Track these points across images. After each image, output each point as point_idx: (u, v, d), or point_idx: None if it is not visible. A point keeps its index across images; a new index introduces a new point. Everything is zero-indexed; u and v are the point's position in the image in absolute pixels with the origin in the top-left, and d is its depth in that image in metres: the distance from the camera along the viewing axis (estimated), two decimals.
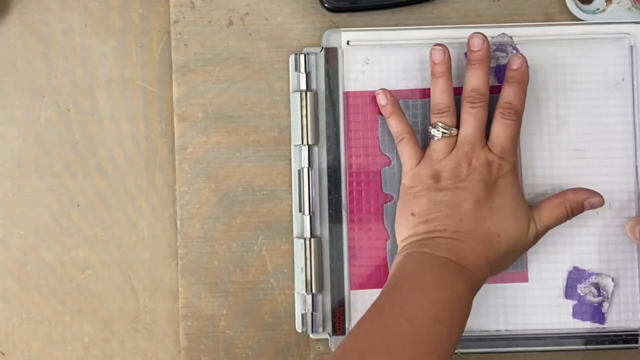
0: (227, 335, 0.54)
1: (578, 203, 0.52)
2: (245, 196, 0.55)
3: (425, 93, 0.55)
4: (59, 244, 0.54)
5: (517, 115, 0.51)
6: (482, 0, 0.57)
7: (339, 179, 0.55)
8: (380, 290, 0.53)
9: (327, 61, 0.56)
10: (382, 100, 0.54)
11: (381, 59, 0.56)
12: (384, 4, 0.56)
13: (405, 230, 0.51)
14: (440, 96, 0.52)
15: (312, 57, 0.55)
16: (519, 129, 0.52)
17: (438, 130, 0.51)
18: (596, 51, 0.56)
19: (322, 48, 0.55)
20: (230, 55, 0.56)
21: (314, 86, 0.55)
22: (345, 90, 0.56)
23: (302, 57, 0.55)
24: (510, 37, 0.55)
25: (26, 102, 0.54)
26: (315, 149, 0.55)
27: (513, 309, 0.55)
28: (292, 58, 0.55)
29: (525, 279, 0.55)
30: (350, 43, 0.56)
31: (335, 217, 0.55)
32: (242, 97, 0.55)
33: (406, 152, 0.53)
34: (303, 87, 0.55)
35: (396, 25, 0.56)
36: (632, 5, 0.56)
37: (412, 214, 0.51)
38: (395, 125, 0.53)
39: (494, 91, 0.53)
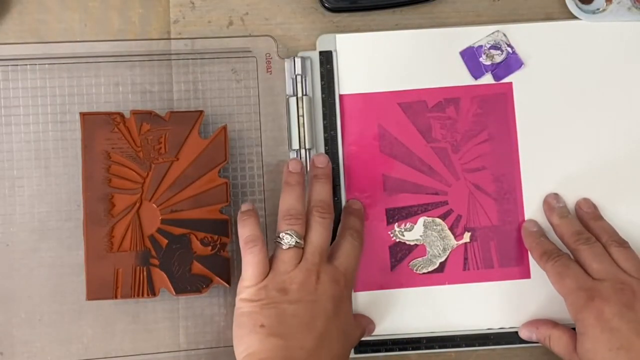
0: (227, 335, 0.54)
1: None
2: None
3: (421, 94, 0.55)
4: (59, 244, 0.54)
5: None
6: (482, 0, 0.57)
7: (338, 182, 0.55)
8: (382, 291, 0.53)
9: (322, 65, 0.56)
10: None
11: (376, 62, 0.56)
12: (384, 4, 0.56)
13: (252, 342, 0.47)
14: (295, 202, 0.50)
15: (307, 62, 0.55)
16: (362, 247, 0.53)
17: (291, 238, 0.49)
18: (595, 50, 0.56)
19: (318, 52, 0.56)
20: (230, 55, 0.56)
21: (309, 90, 0.55)
22: (341, 93, 0.56)
23: (297, 61, 0.55)
24: (505, 34, 0.56)
25: (26, 102, 0.54)
26: (313, 152, 0.55)
27: (516, 305, 0.55)
28: (287, 63, 0.55)
29: (528, 275, 0.55)
30: (344, 46, 0.56)
31: (336, 220, 0.55)
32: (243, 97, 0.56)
33: (254, 263, 0.48)
34: (299, 91, 0.55)
35: (396, 25, 0.57)
36: (632, 5, 0.56)
37: (262, 325, 0.47)
38: (249, 229, 0.50)
39: (490, 89, 0.53)
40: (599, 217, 0.54)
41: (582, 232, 0.52)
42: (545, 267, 0.52)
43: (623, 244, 0.52)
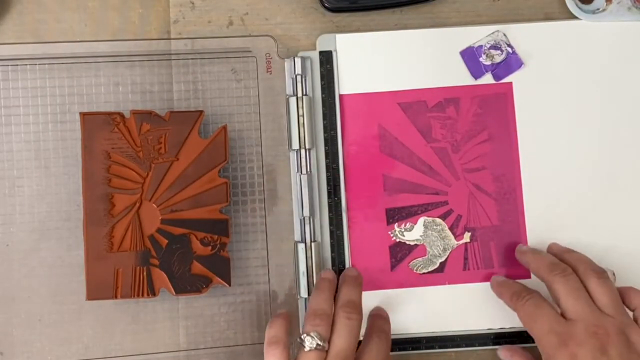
0: (228, 335, 0.54)
1: None
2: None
3: (421, 94, 0.55)
4: (59, 244, 0.54)
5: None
6: (482, 0, 0.57)
7: (338, 182, 0.55)
8: (382, 291, 0.53)
9: (322, 65, 0.56)
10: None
11: (376, 62, 0.56)
12: (384, 4, 0.56)
13: None
14: (322, 303, 0.50)
15: (307, 61, 0.55)
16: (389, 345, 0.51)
17: (313, 340, 0.47)
18: (595, 50, 0.56)
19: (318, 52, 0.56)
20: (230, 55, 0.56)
21: (309, 90, 0.55)
22: (341, 93, 0.56)
23: (297, 61, 0.55)
24: (505, 34, 0.56)
25: (26, 102, 0.54)
26: (314, 152, 0.55)
27: None
28: (287, 63, 0.55)
29: (528, 275, 0.55)
30: (344, 46, 0.56)
31: (336, 220, 0.55)
32: (242, 97, 0.56)
33: None
34: (299, 91, 0.55)
35: (396, 25, 0.57)
36: (632, 5, 0.56)
37: None
38: (275, 330, 0.49)
39: (490, 89, 0.53)
40: (572, 250, 0.53)
41: (558, 263, 0.51)
42: (516, 307, 0.51)
43: (602, 275, 0.50)
